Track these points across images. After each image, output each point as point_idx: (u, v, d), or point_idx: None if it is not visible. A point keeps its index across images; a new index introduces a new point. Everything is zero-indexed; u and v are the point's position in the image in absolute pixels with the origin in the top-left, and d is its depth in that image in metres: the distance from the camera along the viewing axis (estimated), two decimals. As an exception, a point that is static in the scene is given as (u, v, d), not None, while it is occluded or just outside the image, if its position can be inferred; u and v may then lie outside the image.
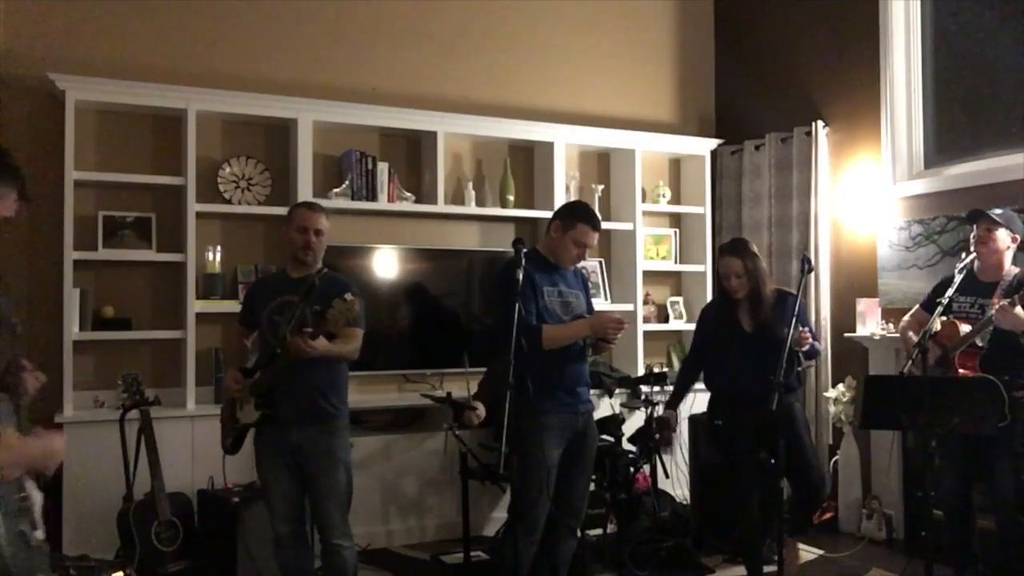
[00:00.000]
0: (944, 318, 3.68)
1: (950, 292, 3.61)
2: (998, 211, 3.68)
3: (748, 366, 3.63)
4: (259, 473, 3.46)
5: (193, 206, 4.60)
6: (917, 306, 3.93)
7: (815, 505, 4.00)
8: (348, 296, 3.12)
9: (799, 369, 3.75)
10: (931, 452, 3.41)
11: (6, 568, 1.61)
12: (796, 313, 3.55)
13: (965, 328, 3.54)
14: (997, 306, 3.40)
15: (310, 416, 3.32)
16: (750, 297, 3.79)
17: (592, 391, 3.77)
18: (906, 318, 3.94)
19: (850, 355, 5.16)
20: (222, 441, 3.51)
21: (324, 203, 4.75)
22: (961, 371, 3.51)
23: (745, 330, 3.79)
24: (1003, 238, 3.61)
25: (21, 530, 1.66)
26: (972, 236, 3.71)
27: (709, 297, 5.90)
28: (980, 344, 3.50)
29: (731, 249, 3.85)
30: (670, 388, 5.11)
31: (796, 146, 5.57)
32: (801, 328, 3.62)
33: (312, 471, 3.33)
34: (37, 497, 1.97)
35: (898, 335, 4.65)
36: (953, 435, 3.54)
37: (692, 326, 5.77)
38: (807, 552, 4.45)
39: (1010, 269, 3.64)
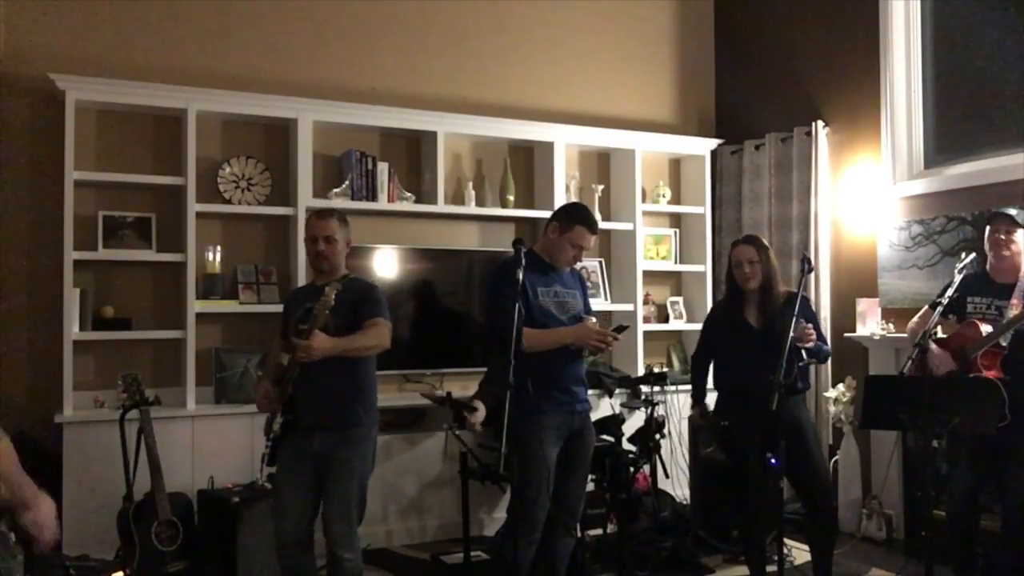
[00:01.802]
0: (951, 317, 3.68)
1: (949, 292, 3.60)
2: (1014, 209, 3.66)
3: (757, 363, 3.56)
4: (277, 476, 3.43)
5: (193, 206, 4.60)
6: (926, 307, 3.89)
7: (828, 535, 3.92)
8: (326, 289, 3.12)
9: (800, 365, 3.73)
10: (931, 453, 3.40)
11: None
12: (796, 311, 3.55)
13: (986, 328, 3.53)
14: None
15: (331, 422, 3.31)
16: (761, 289, 3.78)
17: (592, 391, 3.77)
18: (915, 319, 3.92)
19: (850, 355, 5.15)
20: (263, 454, 3.46)
21: (324, 203, 4.79)
22: (985, 373, 3.49)
23: (754, 327, 3.78)
24: (1022, 239, 3.61)
25: (1, 531, 1.67)
26: (989, 238, 3.67)
27: (709, 297, 5.92)
28: (1003, 344, 3.49)
29: (744, 240, 3.89)
30: (670, 388, 5.16)
31: (796, 146, 5.57)
32: (805, 323, 3.62)
33: (326, 478, 3.31)
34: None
35: (898, 335, 4.67)
36: (962, 439, 3.54)
37: (692, 326, 5.87)
38: (808, 552, 4.44)
39: None
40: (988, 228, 3.69)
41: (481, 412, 3.67)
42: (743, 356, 3.73)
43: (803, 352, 3.68)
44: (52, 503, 1.94)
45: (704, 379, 4.03)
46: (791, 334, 3.52)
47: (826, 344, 3.91)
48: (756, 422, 3.57)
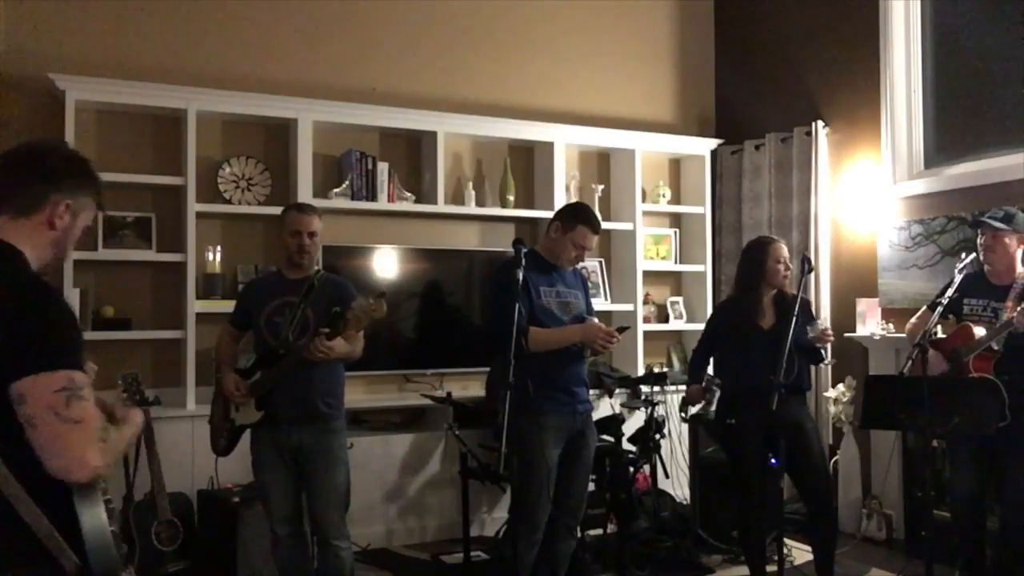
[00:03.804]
0: (950, 318, 3.68)
1: (949, 292, 3.60)
2: (1000, 214, 3.65)
3: (765, 364, 3.57)
4: (256, 474, 3.44)
5: (193, 206, 4.60)
6: (924, 308, 3.89)
7: (830, 535, 3.92)
8: (372, 299, 3.11)
9: (823, 365, 3.73)
10: (931, 453, 3.40)
11: (116, 565, 1.66)
12: (796, 311, 3.56)
13: (979, 330, 3.53)
14: (1017, 311, 3.38)
15: (310, 416, 3.32)
16: (778, 290, 3.81)
17: (592, 391, 3.76)
18: (913, 319, 3.92)
19: (850, 355, 5.15)
20: (212, 444, 3.49)
21: (324, 203, 4.79)
22: (976, 375, 3.49)
23: (763, 328, 3.78)
24: (1012, 243, 3.60)
25: (112, 530, 1.70)
26: (979, 243, 3.68)
27: (709, 297, 5.92)
28: (995, 348, 3.49)
29: (777, 240, 3.92)
30: (670, 388, 5.16)
31: (796, 146, 5.57)
32: (826, 326, 3.65)
33: (312, 471, 3.32)
34: None
35: (898, 335, 4.67)
36: (964, 440, 3.54)
37: (692, 326, 5.88)
38: (807, 552, 4.44)
39: (1022, 271, 3.63)
40: (978, 233, 3.71)
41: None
42: (752, 356, 3.70)
43: (822, 352, 3.69)
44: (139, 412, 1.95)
45: (703, 373, 4.01)
46: (808, 333, 3.57)
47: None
48: (760, 422, 3.57)
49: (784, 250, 3.83)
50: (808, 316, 3.75)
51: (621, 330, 3.58)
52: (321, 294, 3.27)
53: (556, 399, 3.42)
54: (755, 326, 3.76)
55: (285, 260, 3.50)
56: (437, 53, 5.50)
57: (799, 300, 3.61)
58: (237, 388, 3.36)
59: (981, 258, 3.69)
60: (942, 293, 3.70)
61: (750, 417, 3.62)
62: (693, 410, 3.97)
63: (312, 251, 3.44)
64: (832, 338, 3.66)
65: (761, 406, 3.45)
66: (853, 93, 5.33)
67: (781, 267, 3.79)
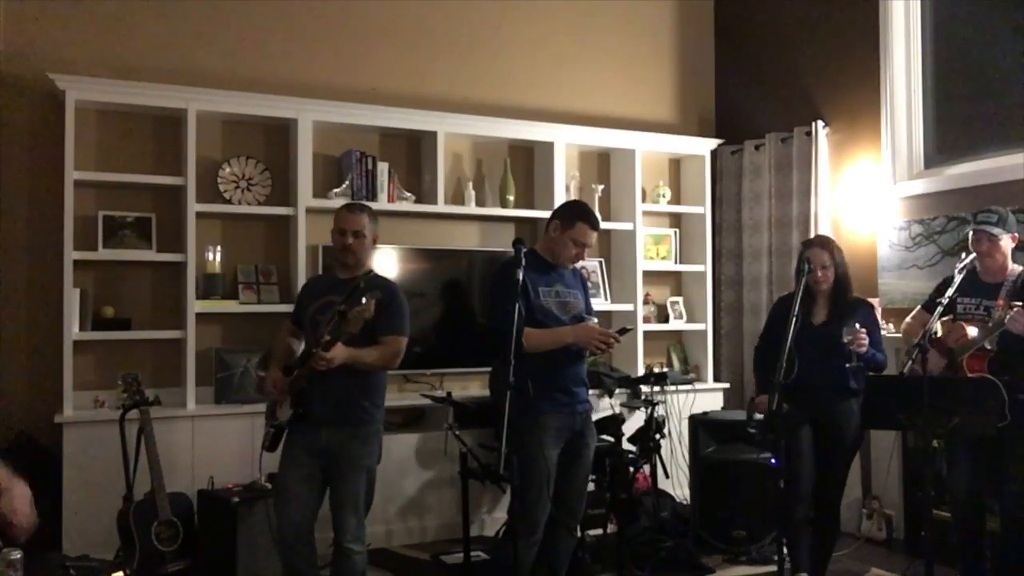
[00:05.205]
0: (947, 318, 3.68)
1: (950, 292, 3.60)
2: (993, 218, 3.64)
3: (813, 359, 3.60)
4: (280, 470, 3.45)
5: (193, 206, 4.60)
6: (919, 307, 3.92)
7: (830, 537, 3.97)
8: (363, 299, 3.12)
9: (848, 367, 3.71)
10: (931, 453, 3.39)
11: None
12: (795, 312, 3.54)
13: (972, 330, 3.53)
14: (1011, 311, 3.38)
15: (341, 418, 3.33)
16: (834, 287, 3.82)
17: (592, 391, 3.76)
18: (908, 319, 3.93)
19: (850, 355, 5.15)
20: (263, 439, 3.50)
21: (324, 203, 4.81)
22: (970, 374, 3.50)
23: (813, 324, 3.78)
24: (1006, 244, 3.61)
25: None
26: (978, 249, 3.66)
27: (709, 297, 5.92)
28: (989, 347, 3.49)
29: (818, 243, 3.94)
30: (670, 388, 5.16)
31: (796, 146, 5.57)
32: (859, 328, 3.64)
33: (334, 473, 3.34)
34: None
35: (898, 335, 4.67)
36: (964, 440, 3.54)
37: (692, 326, 5.89)
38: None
39: (1013, 268, 3.63)
40: (971, 236, 3.70)
41: None
42: (801, 352, 3.61)
43: (855, 356, 3.67)
44: (26, 488, 1.92)
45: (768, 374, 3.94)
46: (845, 335, 3.57)
47: (881, 352, 3.85)
48: (805, 419, 3.60)
49: (819, 256, 3.80)
50: (860, 318, 3.72)
51: (623, 332, 3.57)
52: (365, 295, 3.24)
53: (556, 399, 3.43)
54: (807, 324, 3.74)
55: (336, 259, 3.55)
56: (437, 53, 5.50)
57: (797, 298, 3.60)
58: (274, 385, 3.37)
59: (976, 261, 3.70)
60: (938, 293, 3.71)
61: (794, 413, 3.59)
62: (759, 416, 3.95)
63: (357, 251, 3.44)
64: (864, 342, 3.63)
65: (806, 401, 3.45)
66: (853, 93, 5.33)
67: (812, 275, 3.77)
